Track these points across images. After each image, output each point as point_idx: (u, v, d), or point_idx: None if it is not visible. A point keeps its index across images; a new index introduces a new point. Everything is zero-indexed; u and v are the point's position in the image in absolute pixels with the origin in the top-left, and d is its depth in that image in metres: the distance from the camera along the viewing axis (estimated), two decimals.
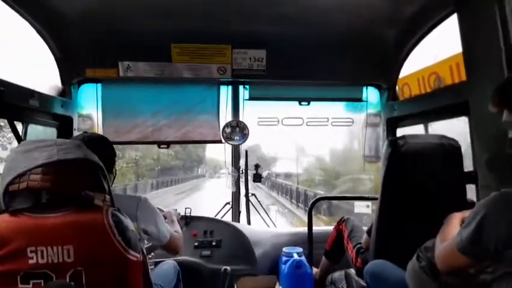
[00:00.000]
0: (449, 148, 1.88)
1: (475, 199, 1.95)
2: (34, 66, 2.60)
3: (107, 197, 1.26)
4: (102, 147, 1.83)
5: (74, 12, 2.29)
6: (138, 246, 1.28)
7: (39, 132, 2.41)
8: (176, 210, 2.49)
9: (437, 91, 2.35)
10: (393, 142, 1.91)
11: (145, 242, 1.82)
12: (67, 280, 1.15)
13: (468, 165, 1.99)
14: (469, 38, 1.89)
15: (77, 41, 2.55)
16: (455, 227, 1.40)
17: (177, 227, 2.17)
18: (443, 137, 1.93)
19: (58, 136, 2.58)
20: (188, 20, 2.49)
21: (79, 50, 2.60)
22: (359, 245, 2.24)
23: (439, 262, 1.35)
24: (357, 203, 3.35)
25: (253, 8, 2.32)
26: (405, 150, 1.87)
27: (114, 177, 1.93)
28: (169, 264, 2.16)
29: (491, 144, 1.76)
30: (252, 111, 3.19)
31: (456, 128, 2.22)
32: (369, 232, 2.10)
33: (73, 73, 2.67)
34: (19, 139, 2.00)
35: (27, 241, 1.13)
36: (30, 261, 1.13)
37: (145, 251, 1.40)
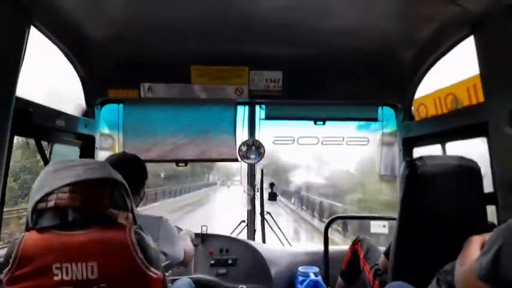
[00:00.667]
0: (468, 169, 1.86)
1: (495, 221, 1.92)
2: (60, 87, 2.70)
3: (130, 215, 1.29)
4: (133, 168, 1.91)
5: (99, 35, 2.39)
6: (159, 263, 1.30)
7: (62, 151, 2.50)
8: (191, 231, 2.53)
9: (455, 112, 2.34)
10: (411, 163, 1.90)
11: (164, 260, 1.85)
12: None
13: (488, 186, 1.96)
14: (486, 59, 1.90)
15: (101, 63, 2.65)
16: (474, 252, 1.38)
17: (188, 243, 2.21)
18: (462, 158, 1.91)
19: (81, 155, 2.66)
20: (206, 42, 2.57)
21: (102, 72, 2.70)
22: (376, 267, 2.21)
23: (459, 286, 1.33)
24: (373, 222, 3.31)
25: (270, 31, 2.37)
26: (423, 172, 1.86)
27: (141, 199, 1.99)
28: (184, 282, 2.18)
29: (511, 165, 1.74)
30: (269, 130, 3.24)
31: (473, 150, 2.20)
32: (387, 254, 2.07)
33: (96, 94, 2.77)
34: (45, 158, 2.08)
35: (53, 258, 1.16)
36: (56, 278, 1.15)
37: (163, 268, 1.42)
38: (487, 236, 1.32)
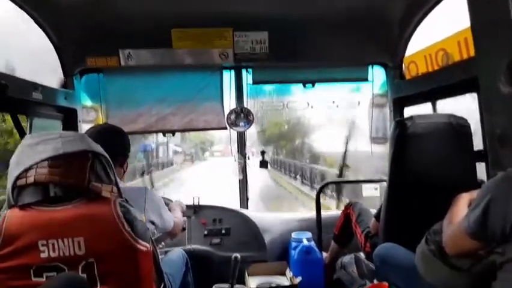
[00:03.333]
0: (457, 127, 1.85)
1: (485, 179, 1.93)
2: (37, 58, 2.58)
3: (115, 188, 1.26)
4: (115, 139, 1.85)
5: (72, 0, 2.26)
6: (147, 236, 1.28)
7: (44, 125, 2.41)
8: (182, 202, 2.49)
9: (445, 68, 2.29)
10: (400, 123, 1.87)
11: (155, 232, 1.84)
12: (79, 272, 1.16)
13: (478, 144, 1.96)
14: (478, 11, 1.83)
15: (76, 29, 2.51)
16: (462, 209, 1.38)
17: (177, 214, 2.19)
18: (452, 116, 1.89)
19: (63, 129, 2.57)
20: (187, 3, 2.45)
21: (78, 39, 2.57)
22: (367, 229, 2.24)
23: (447, 245, 1.33)
24: (365, 186, 3.34)
25: None
26: (412, 131, 1.84)
27: (125, 172, 1.94)
28: (177, 253, 2.18)
29: (502, 121, 1.72)
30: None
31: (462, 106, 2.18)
32: (377, 216, 2.09)
33: (73, 63, 2.65)
34: (22, 133, 2.00)
35: (38, 235, 1.15)
36: (42, 255, 1.14)
37: (154, 241, 1.40)
38: (474, 194, 1.32)
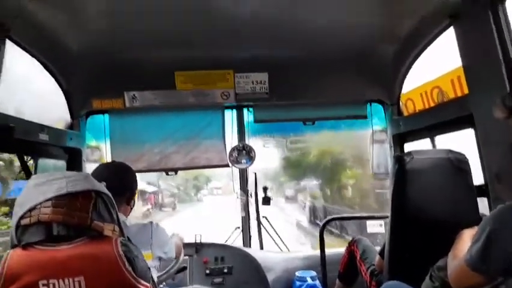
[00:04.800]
0: (456, 162, 1.86)
1: (488, 213, 1.91)
2: (44, 101, 2.65)
3: (117, 227, 1.26)
4: (122, 175, 1.88)
5: (79, 45, 2.36)
6: (148, 275, 1.27)
7: (49, 166, 2.45)
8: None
9: (441, 105, 2.35)
10: (400, 158, 1.89)
11: (156, 271, 1.82)
12: None
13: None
14: (467, 50, 1.91)
15: (83, 74, 2.61)
16: (465, 244, 1.37)
17: (175, 240, 2.17)
18: (450, 151, 1.92)
19: (68, 168, 2.61)
20: (189, 47, 2.55)
21: (85, 82, 2.67)
22: (372, 267, 2.19)
23: (452, 281, 1.31)
24: (369, 222, 3.30)
25: (253, 33, 2.36)
26: (411, 167, 1.85)
27: (131, 208, 1.96)
28: None
29: (499, 155, 1.74)
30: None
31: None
32: (381, 253, 2.06)
33: (80, 105, 2.73)
34: (28, 174, 2.03)
35: (39, 275, 1.14)
36: None
37: (155, 279, 1.39)
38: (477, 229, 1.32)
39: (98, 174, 1.77)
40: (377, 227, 3.13)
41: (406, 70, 2.71)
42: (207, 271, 2.76)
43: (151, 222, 1.83)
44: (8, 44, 1.81)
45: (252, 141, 3.14)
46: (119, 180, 1.81)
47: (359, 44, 2.58)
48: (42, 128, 2.19)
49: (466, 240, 1.41)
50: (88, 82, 2.68)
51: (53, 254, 1.17)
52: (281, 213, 13.56)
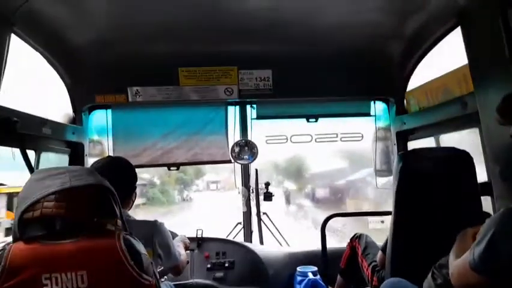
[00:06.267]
0: (460, 160, 1.86)
1: (491, 211, 1.91)
2: (47, 95, 2.66)
3: (119, 221, 1.26)
4: (122, 171, 1.87)
5: (83, 40, 2.35)
6: (150, 270, 1.27)
7: (51, 159, 2.45)
8: (185, 237, 2.49)
9: (446, 103, 2.34)
10: (404, 156, 1.89)
11: (159, 265, 1.82)
12: None
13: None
14: (474, 49, 1.89)
15: (87, 69, 2.61)
16: (467, 243, 1.36)
17: (182, 251, 2.18)
18: (454, 149, 1.91)
19: (70, 163, 2.61)
20: (193, 43, 2.55)
21: (88, 78, 2.66)
22: (374, 263, 2.20)
23: (454, 280, 1.31)
24: (371, 219, 3.30)
25: (258, 30, 2.36)
26: (415, 164, 1.85)
27: (133, 203, 1.96)
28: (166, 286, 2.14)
29: (504, 154, 1.73)
30: (261, 130, 3.20)
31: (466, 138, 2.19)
32: (383, 249, 2.06)
33: (83, 100, 2.73)
34: (31, 168, 2.03)
35: (42, 269, 1.14)
36: None
37: (157, 274, 1.39)
38: (480, 228, 1.31)
39: (98, 168, 1.78)
40: (379, 224, 3.14)
41: (412, 68, 2.70)
42: (208, 265, 2.77)
43: (155, 221, 1.84)
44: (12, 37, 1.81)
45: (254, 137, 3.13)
46: (120, 175, 1.81)
47: (365, 42, 2.58)
48: (45, 122, 2.19)
49: (469, 239, 1.41)
50: (91, 77, 2.67)
51: (56, 249, 1.17)
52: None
